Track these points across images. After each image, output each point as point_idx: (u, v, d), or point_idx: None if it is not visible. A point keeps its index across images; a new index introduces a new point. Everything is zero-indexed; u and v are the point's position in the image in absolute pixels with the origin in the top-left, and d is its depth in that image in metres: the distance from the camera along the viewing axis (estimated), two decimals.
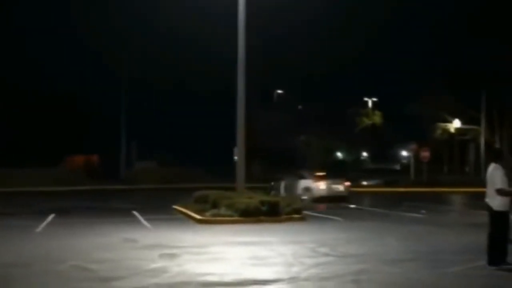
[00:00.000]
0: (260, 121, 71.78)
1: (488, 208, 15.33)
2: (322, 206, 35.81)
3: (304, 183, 40.44)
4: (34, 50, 74.68)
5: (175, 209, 32.36)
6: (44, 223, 26.54)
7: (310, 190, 39.99)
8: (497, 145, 66.33)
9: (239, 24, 30.83)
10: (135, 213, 31.13)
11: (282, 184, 41.41)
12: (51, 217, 29.33)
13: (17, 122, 75.26)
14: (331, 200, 38.16)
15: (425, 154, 63.27)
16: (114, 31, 72.05)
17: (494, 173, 15.16)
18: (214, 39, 61.18)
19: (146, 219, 27.78)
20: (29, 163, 69.34)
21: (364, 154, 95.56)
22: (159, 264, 16.02)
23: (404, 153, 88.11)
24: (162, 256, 17.26)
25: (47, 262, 16.54)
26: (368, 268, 15.43)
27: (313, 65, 78.96)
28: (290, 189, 40.50)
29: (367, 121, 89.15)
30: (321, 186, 39.85)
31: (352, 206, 36.96)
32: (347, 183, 41.36)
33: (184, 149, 79.92)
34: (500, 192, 14.97)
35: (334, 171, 62.73)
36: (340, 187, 40.45)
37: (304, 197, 38.85)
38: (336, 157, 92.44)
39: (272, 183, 42.56)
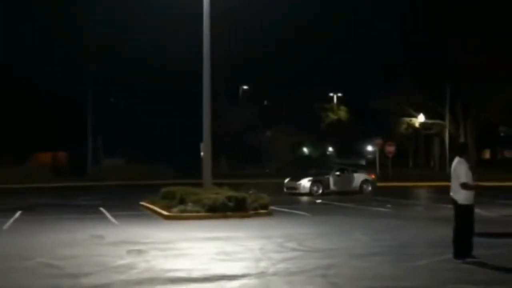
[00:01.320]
0: (226, 117, 71.72)
1: (453, 202, 15.49)
2: (288, 201, 35.89)
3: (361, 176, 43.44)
4: None
5: (142, 205, 32.25)
6: (11, 221, 26.34)
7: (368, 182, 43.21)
8: (462, 139, 67.03)
9: (204, 21, 30.83)
10: (102, 209, 30.99)
11: (331, 178, 42.25)
12: (17, 214, 29.13)
13: None
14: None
15: (390, 148, 63.64)
16: (83, 25, 71.21)
17: (459, 167, 15.31)
18: (181, 36, 60.90)
19: (113, 216, 27.68)
20: None
21: (330, 149, 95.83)
22: (126, 260, 15.98)
23: (370, 148, 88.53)
24: (129, 252, 17.23)
25: (14, 259, 16.45)
26: (336, 262, 15.51)
27: (278, 61, 78.87)
28: (343, 183, 42.33)
29: (332, 116, 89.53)
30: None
31: (319, 201, 37.09)
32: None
33: (151, 147, 79.62)
34: (464, 186, 15.13)
35: (299, 167, 63.14)
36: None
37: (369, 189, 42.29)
38: (302, 152, 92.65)
39: (312, 178, 42.57)
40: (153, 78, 75.42)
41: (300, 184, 41.77)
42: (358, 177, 43.05)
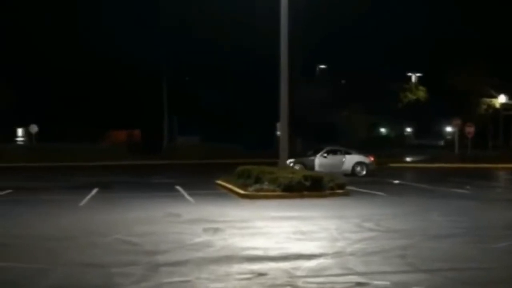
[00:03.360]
0: (302, 95, 71.39)
1: None
2: (365, 181, 35.59)
3: (354, 158, 42.04)
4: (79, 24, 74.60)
5: (218, 184, 32.34)
6: (87, 198, 26.69)
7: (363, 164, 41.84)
8: None
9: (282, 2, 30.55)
10: (177, 187, 31.17)
11: (317, 160, 41.58)
12: (94, 191, 29.50)
13: (60, 97, 75.58)
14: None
15: (470, 129, 62.46)
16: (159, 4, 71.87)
17: None
18: (256, 13, 60.61)
19: (189, 194, 27.81)
20: (71, 138, 69.87)
21: (408, 129, 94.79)
22: (203, 238, 15.99)
23: (449, 128, 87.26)
24: (206, 230, 17.23)
25: (92, 235, 16.61)
26: (413, 243, 15.32)
27: (356, 40, 78.18)
28: (329, 164, 41.26)
29: (411, 96, 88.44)
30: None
31: (396, 181, 36.70)
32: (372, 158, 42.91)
33: (225, 125, 79.72)
34: None
35: (377, 147, 62.59)
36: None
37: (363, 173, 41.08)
38: (379, 132, 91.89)
39: (294, 159, 42.07)
40: (228, 56, 75.43)
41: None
42: (351, 159, 41.78)
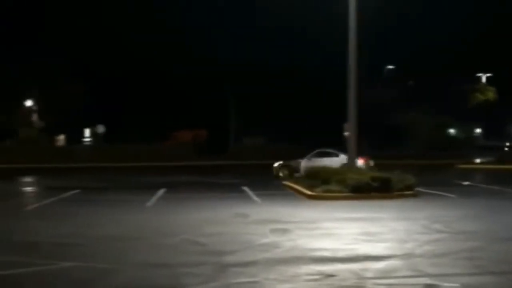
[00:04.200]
0: (369, 96, 70.87)
1: None
2: (434, 182, 35.14)
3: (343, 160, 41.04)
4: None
5: (285, 184, 32.33)
6: (155, 198, 26.90)
7: None
8: None
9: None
10: (244, 188, 31.23)
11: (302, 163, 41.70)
12: (161, 191, 29.72)
13: (126, 97, 76.36)
14: None
15: None
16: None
17: None
18: (325, 15, 60.51)
19: (256, 194, 27.84)
20: (138, 139, 70.64)
21: (478, 131, 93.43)
22: (270, 239, 15.95)
23: None
24: (273, 231, 17.19)
25: (159, 235, 16.72)
26: (482, 245, 15.10)
27: (424, 41, 77.45)
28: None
29: (480, 97, 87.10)
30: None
31: (465, 183, 36.21)
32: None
33: (291, 126, 79.47)
34: None
35: (445, 148, 61.86)
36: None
37: None
38: (448, 133, 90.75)
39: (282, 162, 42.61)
40: (294, 56, 75.43)
41: (273, 167, 42.07)
42: (339, 161, 40.28)
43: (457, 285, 11.25)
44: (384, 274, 12.01)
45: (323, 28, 64.70)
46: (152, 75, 77.41)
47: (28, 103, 72.12)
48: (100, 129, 68.28)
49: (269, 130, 78.90)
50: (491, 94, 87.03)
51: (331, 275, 11.86)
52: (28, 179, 42.45)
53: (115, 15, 75.08)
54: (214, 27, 74.62)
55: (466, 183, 36.27)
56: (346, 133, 33.22)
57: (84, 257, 13.65)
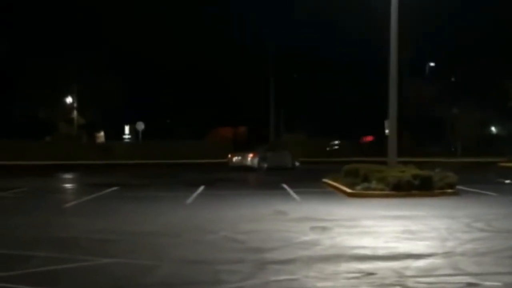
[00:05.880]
0: (411, 93, 70.40)
1: None
2: (476, 181, 34.81)
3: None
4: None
5: (325, 182, 32.20)
6: (194, 195, 26.93)
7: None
8: None
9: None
10: (284, 185, 31.17)
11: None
12: (200, 188, 29.76)
13: (166, 94, 76.56)
14: None
15: None
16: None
17: None
18: (365, 11, 60.13)
19: (296, 192, 27.76)
20: (177, 136, 70.81)
21: None
22: (310, 236, 15.88)
23: None
24: (313, 228, 17.11)
25: (198, 232, 16.71)
26: None
27: (469, 38, 76.59)
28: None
29: None
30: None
31: (507, 181, 35.84)
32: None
33: (331, 122, 79.20)
34: None
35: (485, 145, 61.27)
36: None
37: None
38: (490, 131, 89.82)
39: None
40: (333, 51, 75.13)
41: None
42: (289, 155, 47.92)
43: (499, 283, 11.10)
44: (425, 273, 11.87)
45: (368, 22, 64.26)
46: (193, 71, 77.49)
47: (69, 99, 72.52)
48: (140, 126, 68.48)
49: (310, 125, 78.74)
50: None
51: (371, 273, 11.77)
52: (67, 175, 42.82)
53: (153, 10, 75.31)
54: (256, 21, 74.35)
55: (508, 181, 35.90)
56: (386, 131, 32.99)
57: (124, 253, 13.69)
